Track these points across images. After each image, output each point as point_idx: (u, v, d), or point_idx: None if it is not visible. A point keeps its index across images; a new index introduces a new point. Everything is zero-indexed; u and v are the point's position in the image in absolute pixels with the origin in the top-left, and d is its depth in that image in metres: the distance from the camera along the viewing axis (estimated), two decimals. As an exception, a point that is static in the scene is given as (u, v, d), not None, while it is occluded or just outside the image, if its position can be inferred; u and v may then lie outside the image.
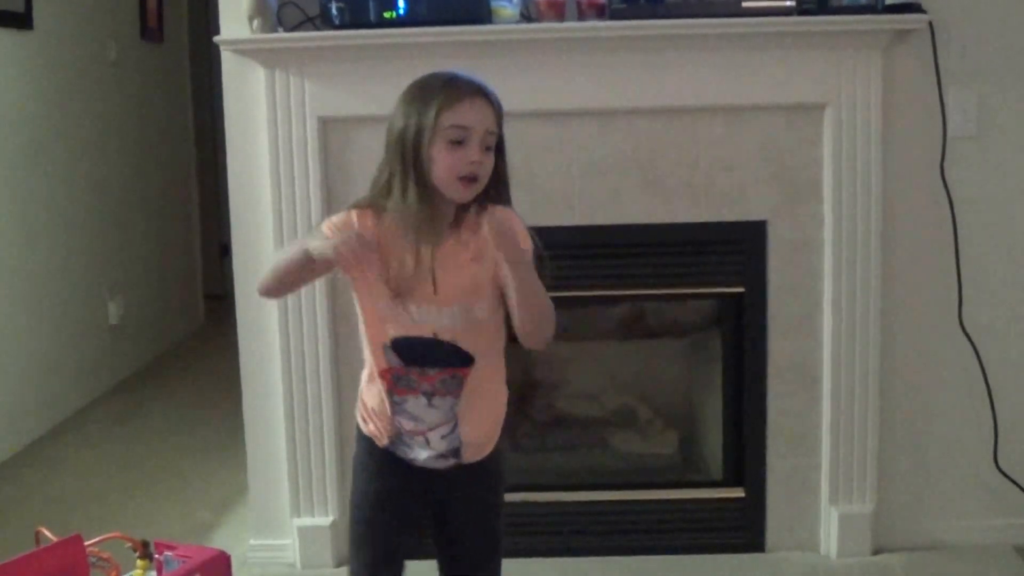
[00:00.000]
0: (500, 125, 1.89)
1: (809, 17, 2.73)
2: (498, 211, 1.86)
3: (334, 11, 2.71)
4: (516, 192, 2.83)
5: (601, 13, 2.77)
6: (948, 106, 2.84)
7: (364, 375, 2.02)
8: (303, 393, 2.92)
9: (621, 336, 3.23)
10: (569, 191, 2.86)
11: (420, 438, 1.95)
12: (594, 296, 2.98)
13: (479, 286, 1.90)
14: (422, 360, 1.91)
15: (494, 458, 2.02)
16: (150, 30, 5.43)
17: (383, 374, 1.94)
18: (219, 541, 3.14)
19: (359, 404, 2.04)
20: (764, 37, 2.75)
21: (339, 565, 2.97)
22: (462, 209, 1.91)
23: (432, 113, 1.86)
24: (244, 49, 2.80)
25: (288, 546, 3.01)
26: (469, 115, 1.85)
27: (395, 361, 1.92)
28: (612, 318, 3.20)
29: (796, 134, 2.84)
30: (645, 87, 2.80)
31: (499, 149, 1.91)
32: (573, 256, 2.90)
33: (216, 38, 2.80)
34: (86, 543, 2.01)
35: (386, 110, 2.79)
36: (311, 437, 2.94)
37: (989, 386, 2.94)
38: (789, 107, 2.82)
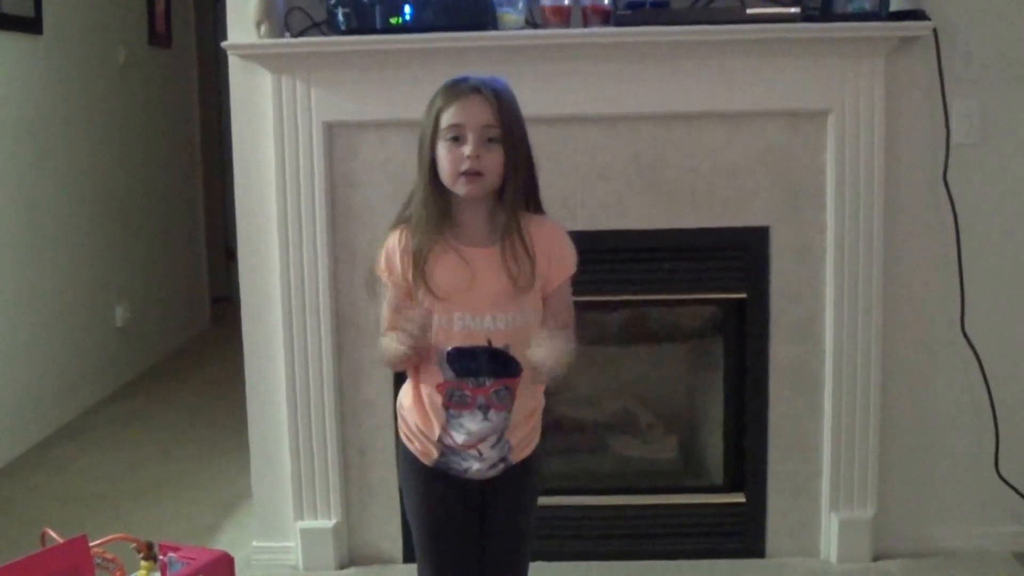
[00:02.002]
0: (507, 121, 1.93)
1: (813, 24, 2.74)
2: (553, 236, 1.98)
3: (340, 17, 2.73)
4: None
5: (606, 20, 2.78)
6: (951, 113, 2.84)
7: (406, 392, 2.06)
8: (307, 396, 2.93)
9: (623, 340, 3.24)
10: (572, 196, 2.87)
11: (472, 451, 1.99)
12: (597, 301, 2.99)
13: (523, 295, 1.95)
14: (477, 371, 1.94)
15: (535, 455, 2.07)
16: (158, 35, 5.45)
17: (438, 388, 1.97)
18: (223, 543, 3.16)
19: (400, 422, 2.07)
20: (768, 44, 2.76)
21: (341, 567, 2.99)
22: (505, 218, 1.95)
23: (433, 116, 1.94)
24: (251, 54, 2.82)
25: (291, 548, 3.02)
26: (462, 113, 1.91)
27: (449, 375, 1.95)
28: (614, 323, 3.20)
29: (799, 140, 2.85)
30: (649, 93, 2.81)
31: (518, 148, 1.95)
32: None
33: (223, 43, 2.82)
34: (91, 544, 2.01)
35: (392, 115, 2.83)
36: (314, 440, 2.95)
37: (991, 393, 2.94)
38: (792, 113, 2.83)
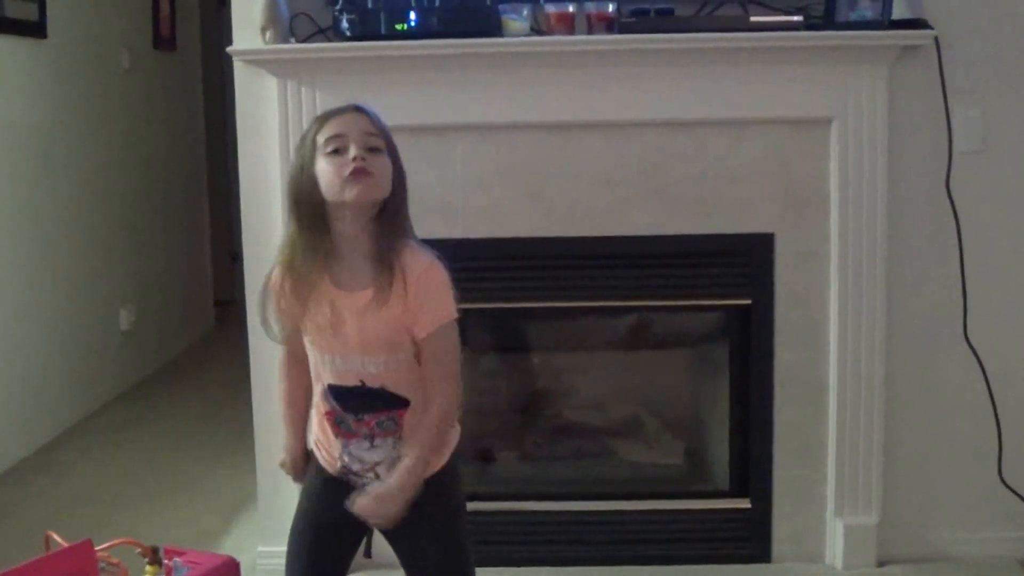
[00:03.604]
0: (387, 133, 1.90)
1: (816, 32, 2.75)
2: (430, 279, 1.85)
3: (346, 23, 2.74)
4: (526, 204, 2.86)
5: (610, 27, 2.78)
6: (953, 121, 2.85)
7: (315, 407, 2.01)
8: (312, 401, 2.93)
9: (628, 346, 3.24)
10: (577, 203, 2.87)
11: (370, 474, 1.95)
12: (601, 307, 2.99)
13: (401, 336, 1.87)
14: (356, 407, 1.91)
15: (445, 471, 1.98)
16: (163, 39, 5.46)
17: (327, 416, 1.95)
18: (228, 547, 3.16)
19: (311, 428, 2.05)
20: (771, 52, 2.76)
21: (346, 572, 2.99)
22: (378, 259, 1.86)
23: (309, 140, 1.87)
24: (256, 59, 2.82)
25: (296, 553, 3.02)
26: (341, 124, 1.86)
27: (334, 405, 1.93)
28: (619, 329, 3.21)
29: (802, 148, 2.85)
30: (653, 100, 2.81)
31: (398, 163, 1.91)
32: (581, 267, 2.91)
33: (228, 48, 2.83)
34: (96, 548, 2.02)
35: (396, 121, 2.80)
36: (319, 444, 2.95)
37: (993, 399, 2.95)
38: (796, 121, 2.84)
